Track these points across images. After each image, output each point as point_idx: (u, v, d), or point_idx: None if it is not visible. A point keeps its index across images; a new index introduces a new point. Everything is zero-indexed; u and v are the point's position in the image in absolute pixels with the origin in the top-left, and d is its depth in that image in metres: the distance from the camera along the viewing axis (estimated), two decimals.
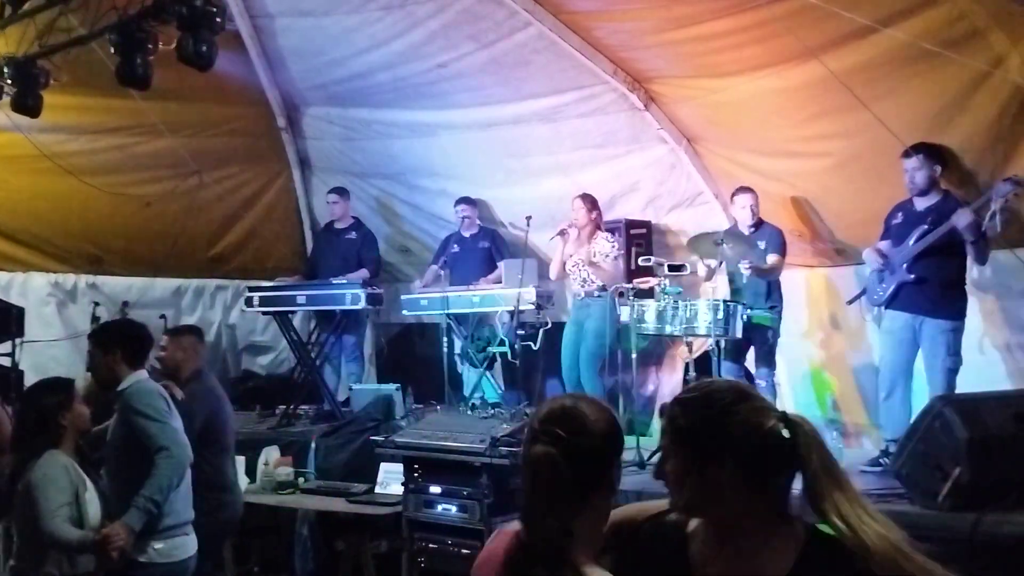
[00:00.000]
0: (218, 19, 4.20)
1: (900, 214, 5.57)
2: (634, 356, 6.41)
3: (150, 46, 4.43)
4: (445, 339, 7.72)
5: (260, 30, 7.61)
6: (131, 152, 7.91)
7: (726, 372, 6.21)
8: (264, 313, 8.28)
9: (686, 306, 6.05)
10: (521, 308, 6.80)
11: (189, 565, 4.04)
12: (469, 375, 7.91)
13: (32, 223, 7.82)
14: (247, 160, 8.79)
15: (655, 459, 3.46)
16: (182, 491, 4.02)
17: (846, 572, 1.71)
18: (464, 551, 5.02)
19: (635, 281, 6.57)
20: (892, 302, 5.48)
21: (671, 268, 6.40)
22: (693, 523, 1.96)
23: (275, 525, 6.54)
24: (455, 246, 8.02)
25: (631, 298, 6.32)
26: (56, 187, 7.52)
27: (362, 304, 7.58)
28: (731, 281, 6.50)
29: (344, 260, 8.31)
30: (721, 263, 6.42)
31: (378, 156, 8.57)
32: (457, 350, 7.90)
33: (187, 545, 4.05)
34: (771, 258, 6.24)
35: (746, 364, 6.51)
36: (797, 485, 1.83)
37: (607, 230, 7.01)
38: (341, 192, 8.53)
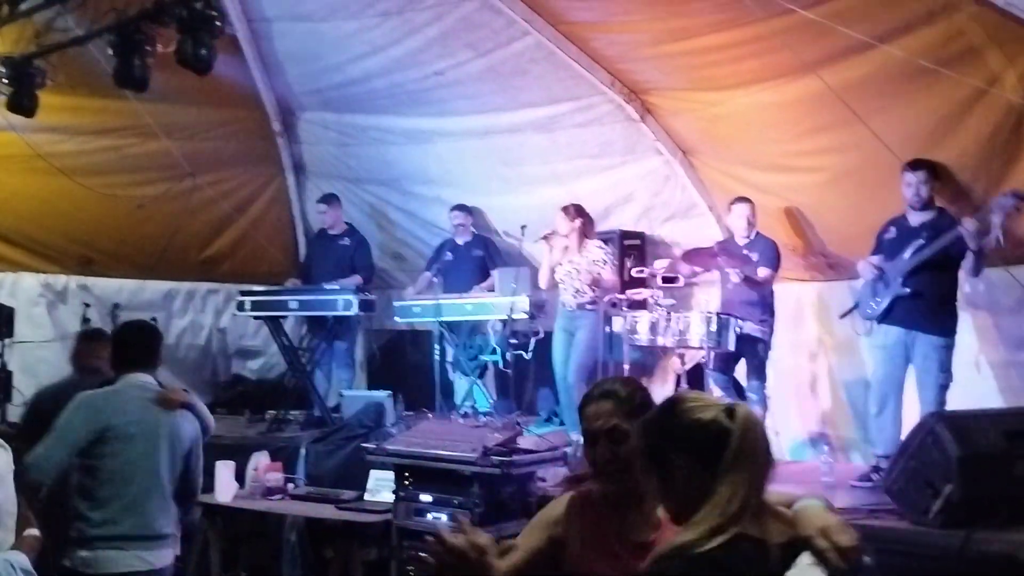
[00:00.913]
0: (217, 23, 4.20)
1: (893, 229, 5.59)
2: (626, 367, 6.43)
3: (148, 48, 4.42)
4: (437, 347, 7.72)
5: (257, 34, 7.60)
6: (125, 153, 7.89)
7: (718, 385, 6.22)
8: (256, 317, 8.24)
9: (679, 318, 6.06)
10: (514, 317, 6.79)
11: None
12: (461, 383, 7.90)
13: (24, 223, 7.79)
14: (241, 164, 8.77)
15: None
16: (126, 503, 3.74)
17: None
18: None
19: (628, 292, 6.57)
20: (886, 316, 5.49)
21: (665, 280, 6.41)
22: None
23: (263, 531, 6.48)
24: (449, 254, 8.01)
25: (624, 309, 6.32)
26: (48, 187, 7.50)
27: (354, 310, 7.56)
28: (724, 293, 6.50)
29: (337, 266, 8.29)
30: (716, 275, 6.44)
31: (373, 162, 8.57)
32: (449, 358, 7.89)
33: (115, 560, 3.70)
34: (763, 271, 6.25)
35: (737, 377, 6.51)
36: None
37: (602, 240, 7.01)
38: (330, 200, 8.51)
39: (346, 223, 8.58)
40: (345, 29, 7.03)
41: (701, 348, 6.01)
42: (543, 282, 6.92)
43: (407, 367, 8.90)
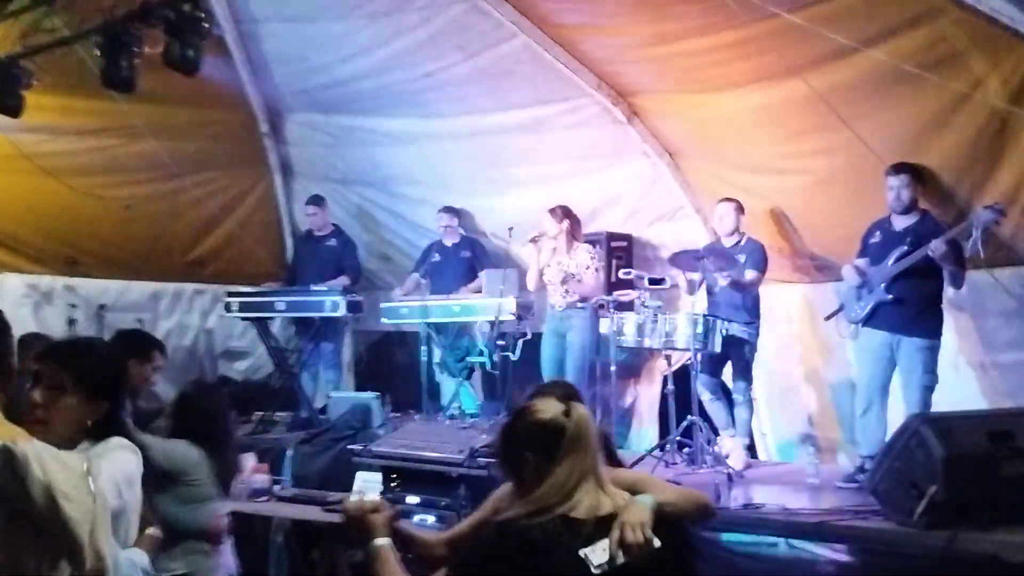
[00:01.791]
0: (205, 24, 4.19)
1: (878, 232, 5.63)
2: (613, 368, 6.45)
3: (135, 49, 4.42)
4: (424, 348, 7.72)
5: (245, 35, 7.58)
6: (111, 154, 7.85)
7: (703, 385, 6.25)
8: (243, 319, 8.24)
9: (666, 319, 6.09)
10: (501, 318, 6.80)
11: None
12: (448, 385, 7.90)
13: (9, 223, 7.73)
14: (228, 165, 8.74)
15: None
16: None
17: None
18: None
19: (615, 293, 6.59)
20: (870, 320, 5.54)
21: (651, 281, 6.44)
22: None
23: (249, 533, 6.47)
24: (436, 255, 8.02)
25: (611, 310, 6.34)
26: (34, 188, 7.45)
27: (341, 311, 7.57)
28: (710, 295, 6.53)
29: (324, 267, 8.28)
30: (703, 280, 6.46)
31: (361, 163, 8.57)
32: (436, 359, 7.89)
33: None
34: (750, 273, 6.27)
35: (723, 378, 6.54)
36: None
37: (588, 242, 7.02)
38: (318, 202, 8.50)
39: (332, 224, 8.58)
40: (333, 30, 7.03)
41: (688, 350, 6.03)
42: (531, 284, 6.93)
43: (394, 368, 8.90)
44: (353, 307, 7.70)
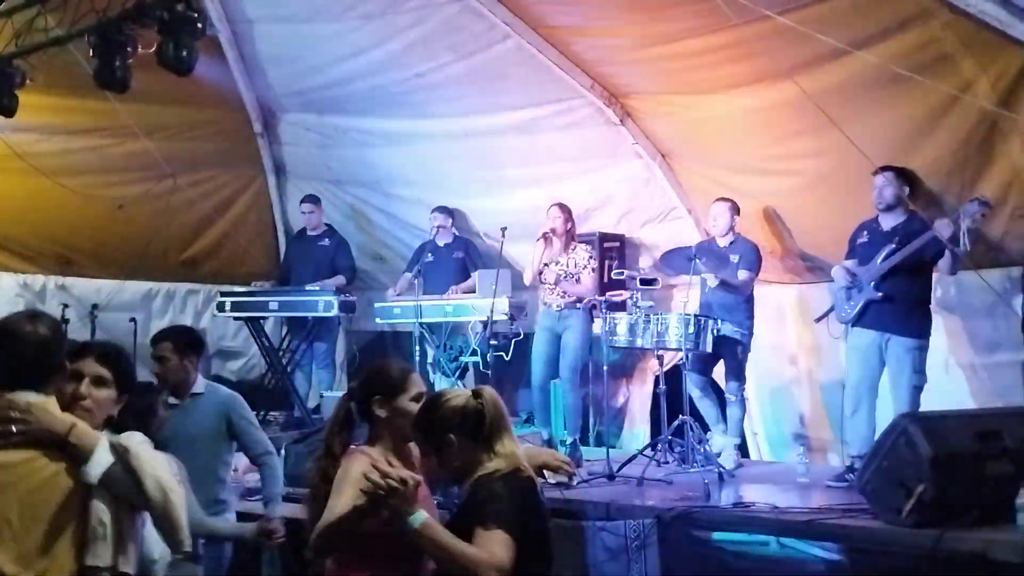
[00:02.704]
0: (199, 24, 4.20)
1: (865, 233, 5.67)
2: (605, 368, 6.48)
3: (129, 49, 4.42)
4: (417, 348, 7.73)
5: (239, 35, 7.60)
6: (104, 154, 7.86)
7: (693, 384, 6.28)
8: (236, 318, 8.25)
9: (658, 319, 6.11)
10: (494, 318, 6.82)
11: None
12: (441, 384, 7.91)
13: (2, 223, 7.71)
14: (222, 165, 8.75)
15: (624, 470, 5.01)
16: None
17: (480, 488, 2.69)
18: None
19: (608, 294, 6.61)
20: (859, 320, 5.57)
21: (643, 282, 6.46)
22: None
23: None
24: (429, 255, 8.02)
25: (604, 311, 6.37)
26: (27, 187, 7.45)
27: (335, 311, 7.59)
28: (702, 295, 6.55)
29: (317, 267, 8.29)
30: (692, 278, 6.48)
31: (354, 164, 8.58)
32: (429, 359, 7.91)
33: None
34: (743, 274, 6.30)
35: (716, 378, 6.57)
36: None
37: (582, 242, 7.05)
38: (315, 201, 8.51)
39: (326, 224, 8.59)
40: (327, 31, 7.05)
41: (679, 349, 6.06)
42: (529, 279, 6.92)
43: None
44: (346, 307, 7.71)
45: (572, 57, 6.72)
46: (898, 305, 5.44)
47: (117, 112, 7.09)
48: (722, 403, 6.46)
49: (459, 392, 2.88)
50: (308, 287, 7.80)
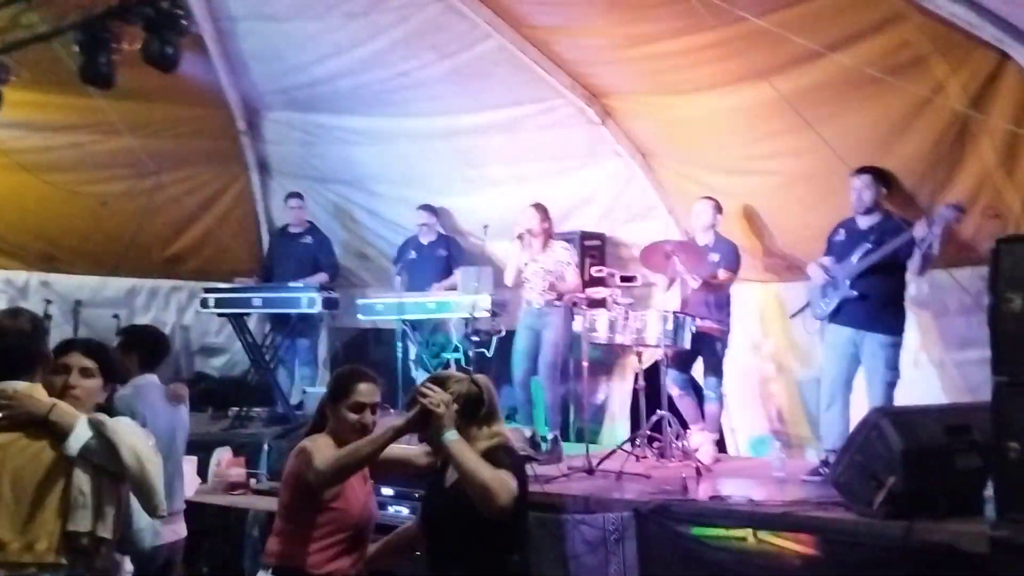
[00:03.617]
0: (184, 21, 4.25)
1: (843, 231, 5.76)
2: (585, 365, 6.53)
3: (114, 45, 4.47)
4: (400, 344, 7.78)
5: (223, 33, 7.62)
6: (88, 150, 7.89)
7: (673, 381, 6.35)
8: (220, 315, 8.26)
9: (637, 316, 6.18)
10: (476, 315, 6.88)
11: None
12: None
13: None
14: (205, 162, 8.78)
15: (604, 465, 5.08)
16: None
17: (489, 455, 2.98)
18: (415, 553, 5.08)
19: (588, 291, 6.68)
20: (835, 316, 5.66)
21: (623, 279, 6.53)
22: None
23: (225, 526, 6.52)
24: (412, 252, 8.09)
25: (584, 308, 6.43)
26: (10, 183, 7.48)
27: (318, 308, 7.62)
28: (682, 293, 6.63)
29: (300, 264, 8.32)
30: (675, 278, 6.56)
31: (337, 162, 8.62)
32: (412, 356, 7.96)
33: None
34: (723, 273, 6.37)
35: (695, 375, 6.65)
36: None
37: (561, 239, 7.11)
38: (301, 196, 8.55)
39: (308, 221, 8.62)
40: (310, 30, 7.09)
41: (658, 346, 6.13)
42: (509, 279, 6.97)
43: (370, 365, 8.75)
44: (329, 304, 7.75)
45: (553, 57, 6.79)
46: (873, 303, 5.53)
47: (101, 109, 7.13)
48: (700, 399, 6.55)
49: (460, 376, 3.18)
50: (292, 284, 7.83)
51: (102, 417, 2.83)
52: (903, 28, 4.99)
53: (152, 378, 4.51)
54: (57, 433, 2.74)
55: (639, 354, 6.31)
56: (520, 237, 6.75)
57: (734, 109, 6.21)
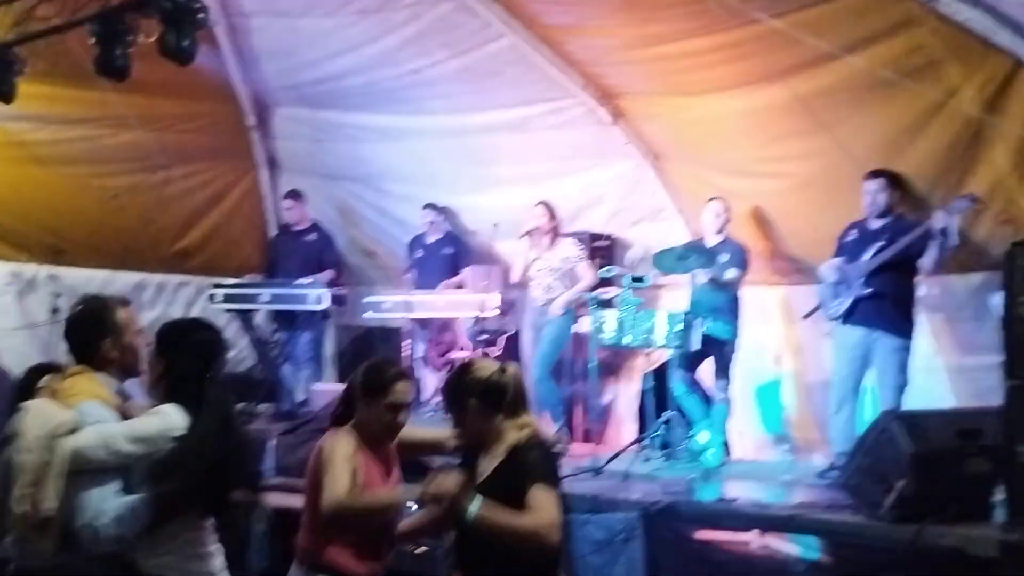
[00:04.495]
0: (201, 15, 4.26)
1: (855, 232, 5.76)
2: (592, 366, 6.54)
3: (130, 38, 4.47)
4: (408, 343, 7.78)
5: (235, 28, 7.62)
6: (99, 144, 7.87)
7: (681, 383, 6.34)
8: (228, 310, 8.26)
9: (646, 317, 6.18)
10: (485, 314, 6.88)
11: None
12: (430, 379, 7.97)
13: None
14: (215, 157, 8.76)
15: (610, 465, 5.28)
16: None
17: (523, 453, 2.97)
18: (421, 548, 5.07)
19: (597, 291, 6.68)
20: (847, 317, 5.65)
21: (633, 279, 6.53)
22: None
23: (231, 521, 6.50)
24: (420, 251, 8.09)
25: (593, 307, 6.43)
26: (20, 175, 7.46)
27: (325, 304, 7.63)
28: (691, 293, 6.62)
29: (304, 262, 8.26)
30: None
31: (347, 159, 8.62)
32: (419, 354, 7.95)
33: None
34: (731, 272, 6.36)
35: (703, 376, 6.64)
36: None
37: (569, 236, 7.13)
38: (296, 196, 8.45)
39: (312, 219, 8.59)
40: (322, 26, 7.09)
41: (667, 347, 6.13)
42: (516, 276, 6.99)
43: None
44: (337, 300, 7.76)
45: (565, 56, 6.78)
46: (886, 302, 5.53)
47: (112, 103, 7.13)
48: (708, 401, 6.54)
49: (488, 364, 3.16)
50: (300, 280, 7.83)
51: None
52: (918, 32, 4.99)
53: None
54: None
55: (648, 355, 6.31)
56: (528, 234, 6.77)
57: (746, 111, 6.21)
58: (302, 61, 7.70)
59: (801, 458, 6.54)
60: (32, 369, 3.44)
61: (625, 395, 7.73)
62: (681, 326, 6.04)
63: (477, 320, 7.11)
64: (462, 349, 7.60)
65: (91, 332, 3.01)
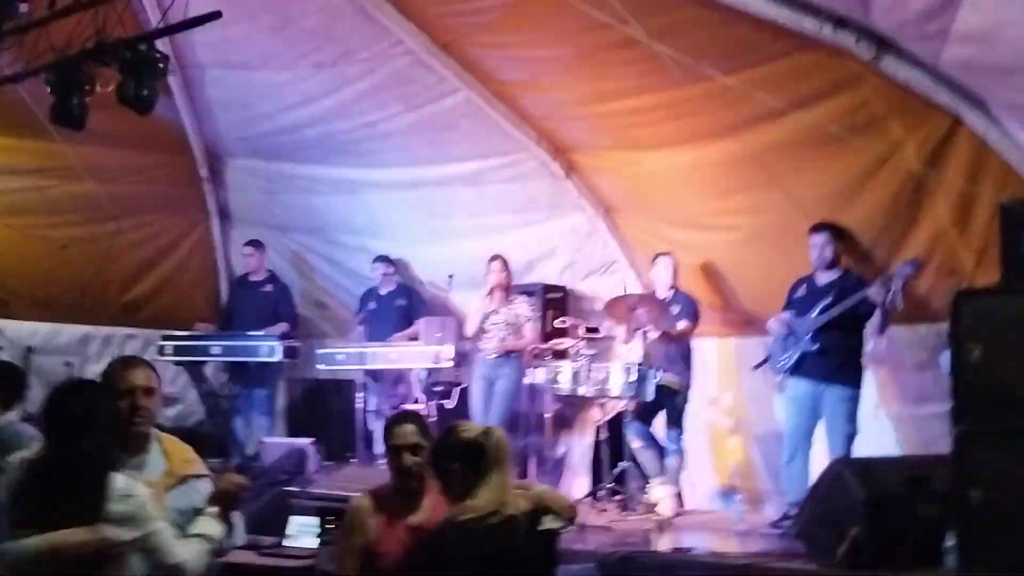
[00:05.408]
0: (161, 64, 4.26)
1: (803, 287, 5.89)
2: (547, 416, 6.55)
3: (88, 87, 4.46)
4: (360, 395, 7.72)
5: (190, 80, 7.61)
6: (46, 195, 7.78)
7: (635, 434, 6.37)
8: (177, 363, 8.14)
9: (600, 368, 6.22)
10: (439, 366, 6.87)
11: None
12: (381, 432, 7.88)
13: None
14: (166, 208, 8.69)
15: None
16: None
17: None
18: None
19: (551, 342, 6.72)
20: (795, 370, 5.76)
21: (587, 330, 6.58)
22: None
23: None
24: (372, 303, 8.07)
25: (547, 359, 6.46)
26: None
27: (278, 357, 7.56)
28: (644, 346, 6.68)
29: (260, 313, 8.23)
30: (637, 330, 6.62)
31: (299, 210, 8.61)
32: (371, 407, 7.89)
33: None
34: (683, 324, 6.45)
35: (656, 428, 6.67)
36: None
37: (524, 292, 7.18)
38: (257, 245, 8.47)
39: (268, 270, 8.55)
40: (278, 79, 7.13)
41: (621, 398, 6.16)
42: (470, 330, 7.02)
43: (327, 416, 8.80)
44: (290, 353, 7.69)
45: (519, 111, 6.89)
46: (832, 357, 5.65)
47: (61, 153, 7.07)
48: (661, 452, 6.57)
49: (473, 427, 3.17)
50: (252, 332, 7.76)
51: None
52: (861, 90, 5.16)
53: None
54: None
55: (602, 406, 6.33)
56: (491, 292, 6.84)
57: (697, 165, 6.35)
58: (256, 113, 7.72)
59: (753, 509, 6.57)
60: None
61: (579, 447, 7.73)
62: (636, 376, 6.08)
63: (431, 372, 7.08)
64: (416, 401, 7.57)
65: None
